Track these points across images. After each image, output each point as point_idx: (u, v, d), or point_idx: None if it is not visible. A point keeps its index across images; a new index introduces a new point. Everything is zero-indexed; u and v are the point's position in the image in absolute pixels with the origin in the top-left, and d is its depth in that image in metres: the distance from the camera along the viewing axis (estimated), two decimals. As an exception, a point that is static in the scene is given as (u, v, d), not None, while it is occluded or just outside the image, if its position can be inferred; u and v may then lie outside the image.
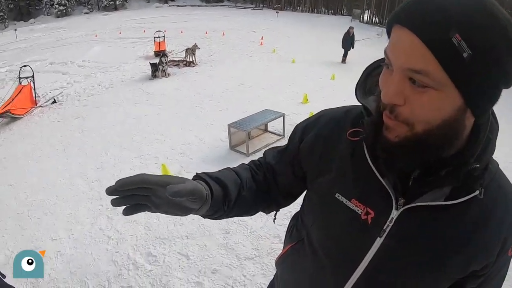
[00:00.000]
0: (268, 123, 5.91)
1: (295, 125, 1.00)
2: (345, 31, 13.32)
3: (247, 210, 0.98)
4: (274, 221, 1.24)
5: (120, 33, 23.41)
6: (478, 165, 0.69)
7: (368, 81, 0.86)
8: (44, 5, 52.68)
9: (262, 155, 1.07)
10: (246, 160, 1.09)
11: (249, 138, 5.31)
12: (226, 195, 0.87)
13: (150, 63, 10.87)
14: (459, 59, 0.55)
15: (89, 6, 54.49)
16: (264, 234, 3.42)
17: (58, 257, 3.39)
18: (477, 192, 0.72)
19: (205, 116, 7.11)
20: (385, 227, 0.77)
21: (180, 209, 0.74)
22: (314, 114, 0.99)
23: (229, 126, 5.37)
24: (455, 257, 0.77)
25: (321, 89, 8.75)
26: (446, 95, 0.60)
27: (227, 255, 3.21)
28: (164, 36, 15.33)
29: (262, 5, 57.29)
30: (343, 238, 0.84)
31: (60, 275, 3.16)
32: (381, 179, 0.77)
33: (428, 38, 0.57)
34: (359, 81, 0.86)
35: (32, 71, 9.55)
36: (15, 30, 30.54)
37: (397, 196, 0.76)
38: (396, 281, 0.81)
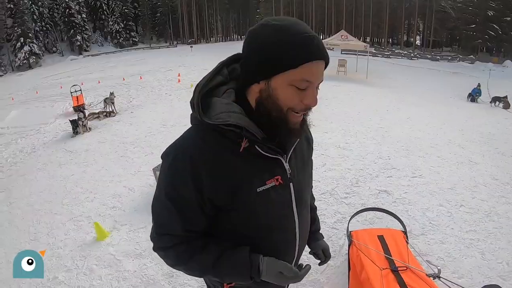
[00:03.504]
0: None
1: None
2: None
3: None
4: None
5: (37, 92, 22.18)
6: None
7: (204, 104, 1.13)
8: (-49, 69, 48.63)
9: (165, 236, 1.16)
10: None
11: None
12: None
13: (69, 120, 10.72)
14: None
15: (2, 68, 51.13)
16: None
17: None
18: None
19: (131, 164, 7.29)
20: (288, 175, 1.18)
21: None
22: (166, 161, 1.13)
23: (154, 170, 5.45)
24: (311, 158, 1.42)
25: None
26: None
27: (176, 298, 3.35)
28: (81, 90, 14.99)
29: (176, 42, 58.04)
30: (279, 206, 1.18)
31: None
32: (270, 155, 1.12)
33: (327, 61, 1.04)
34: (200, 110, 1.11)
35: None
36: None
37: (282, 156, 1.16)
38: (307, 188, 1.36)
